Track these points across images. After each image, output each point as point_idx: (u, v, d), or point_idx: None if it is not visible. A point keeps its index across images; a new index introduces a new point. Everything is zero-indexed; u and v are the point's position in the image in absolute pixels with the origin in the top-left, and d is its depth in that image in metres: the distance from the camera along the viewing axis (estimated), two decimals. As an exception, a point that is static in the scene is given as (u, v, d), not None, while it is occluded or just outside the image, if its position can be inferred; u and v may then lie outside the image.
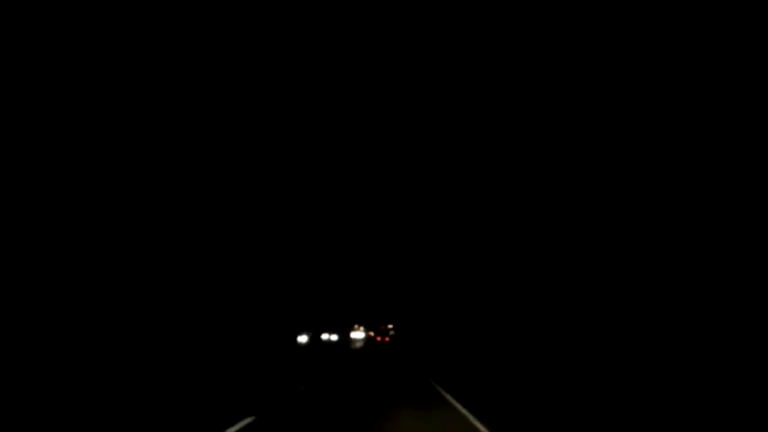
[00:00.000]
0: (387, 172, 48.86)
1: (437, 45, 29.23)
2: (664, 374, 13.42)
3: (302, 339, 51.07)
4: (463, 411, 11.25)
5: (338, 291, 71.48)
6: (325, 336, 60.80)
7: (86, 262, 24.56)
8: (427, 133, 38.11)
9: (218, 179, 35.08)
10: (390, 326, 74.94)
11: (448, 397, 13.73)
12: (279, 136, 39.20)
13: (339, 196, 55.24)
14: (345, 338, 69.66)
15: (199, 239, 33.24)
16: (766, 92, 13.85)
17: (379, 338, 72.68)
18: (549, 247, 25.02)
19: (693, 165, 15.77)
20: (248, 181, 39.53)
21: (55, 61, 22.30)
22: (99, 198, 25.24)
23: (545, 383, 16.10)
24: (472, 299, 39.67)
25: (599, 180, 20.42)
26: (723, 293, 14.08)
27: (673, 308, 15.64)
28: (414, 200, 50.58)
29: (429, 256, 56.08)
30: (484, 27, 25.82)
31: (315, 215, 56.45)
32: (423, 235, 55.32)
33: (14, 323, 19.49)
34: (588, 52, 20.18)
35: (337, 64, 32.71)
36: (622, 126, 18.79)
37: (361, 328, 75.29)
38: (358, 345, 57.98)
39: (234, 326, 36.98)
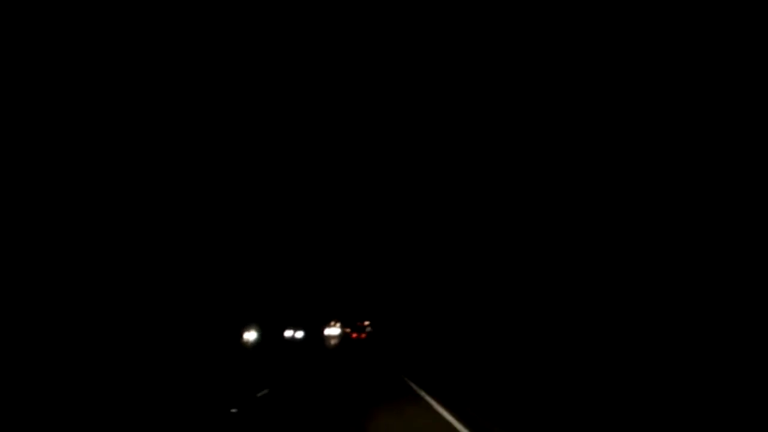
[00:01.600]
0: (366, 164, 48.57)
1: (437, 45, 29.48)
2: (651, 369, 13.23)
3: (249, 336, 43.00)
4: (440, 409, 10.97)
5: (313, 286, 69.33)
6: (288, 333, 54.70)
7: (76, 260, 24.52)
8: (402, 126, 38.66)
9: (189, 169, 34.37)
10: (367, 323, 74.45)
11: (423, 393, 13.65)
12: (256, 125, 39.11)
13: (318, 190, 54.59)
14: (317, 335, 64.48)
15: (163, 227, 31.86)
16: (766, 92, 13.89)
17: (355, 335, 72.16)
18: (530, 241, 24.94)
19: (693, 165, 15.71)
20: (222, 168, 38.95)
21: (55, 61, 22.29)
22: (89, 197, 25.28)
23: (525, 377, 15.89)
24: (451, 295, 39.20)
25: (594, 180, 20.35)
26: (723, 293, 13.98)
27: (670, 308, 15.50)
28: (395, 195, 50.53)
29: (408, 252, 56.03)
30: (484, 27, 25.84)
31: (291, 209, 54.76)
32: (402, 231, 55.14)
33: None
34: (588, 52, 20.19)
35: (336, 64, 33.10)
36: (622, 126, 18.75)
37: (338, 325, 73.89)
38: (333, 342, 56.92)
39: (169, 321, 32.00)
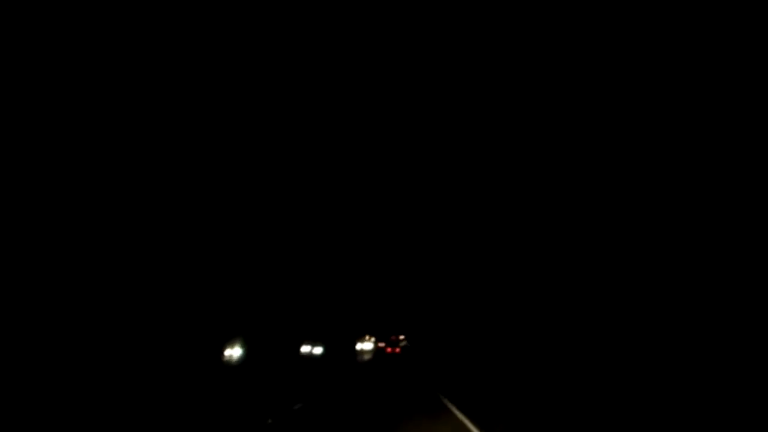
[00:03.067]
0: (404, 178, 48.01)
1: (437, 45, 29.37)
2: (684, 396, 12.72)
3: (233, 353, 35.47)
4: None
5: (345, 300, 68.38)
6: (306, 348, 47.76)
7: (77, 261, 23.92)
8: (441, 142, 38.46)
9: (225, 182, 34.76)
10: (402, 337, 73.63)
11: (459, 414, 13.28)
12: (288, 140, 39.25)
13: (354, 204, 53.97)
14: (347, 351, 60.44)
15: (192, 238, 31.71)
16: (766, 92, 13.81)
17: (389, 349, 71.49)
18: (564, 252, 24.78)
19: (693, 165, 15.67)
20: (255, 183, 39.06)
21: (55, 61, 22.14)
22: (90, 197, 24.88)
23: (560, 398, 15.57)
24: (488, 311, 38.94)
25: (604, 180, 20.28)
26: (723, 293, 13.97)
27: (673, 309, 15.57)
28: (431, 210, 50.17)
29: (443, 267, 55.13)
30: (484, 27, 25.79)
31: (324, 221, 54.20)
32: (437, 247, 54.81)
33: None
34: (588, 52, 20.09)
35: (336, 64, 32.83)
36: (622, 126, 18.66)
37: (372, 339, 73.02)
38: (366, 357, 56.05)
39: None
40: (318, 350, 49.06)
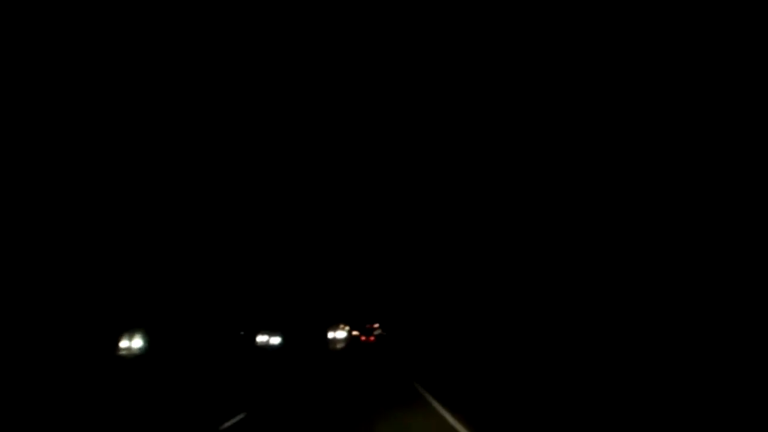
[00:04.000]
0: (375, 164, 47.61)
1: (437, 45, 29.19)
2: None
3: (133, 343, 29.64)
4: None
5: (319, 288, 66.61)
6: (262, 338, 41.61)
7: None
8: (411, 126, 38.44)
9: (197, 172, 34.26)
10: (376, 325, 73.47)
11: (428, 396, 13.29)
12: (261, 130, 38.70)
13: (325, 190, 52.99)
14: (315, 341, 53.97)
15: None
16: (766, 92, 13.94)
17: (363, 338, 71.37)
18: (542, 243, 24.98)
19: (693, 165, 15.76)
20: (228, 173, 38.33)
21: (55, 61, 22.23)
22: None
23: (534, 384, 15.24)
24: (463, 299, 38.71)
25: (597, 180, 20.37)
26: (722, 293, 14.01)
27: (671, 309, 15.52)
28: (404, 195, 49.46)
29: (418, 254, 54.56)
30: (484, 27, 25.77)
31: (295, 206, 52.61)
32: (412, 233, 54.01)
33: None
34: (588, 52, 20.20)
35: (336, 64, 32.91)
36: (622, 126, 18.78)
37: (346, 328, 71.98)
38: (339, 346, 54.98)
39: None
40: (275, 340, 42.25)
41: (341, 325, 71.01)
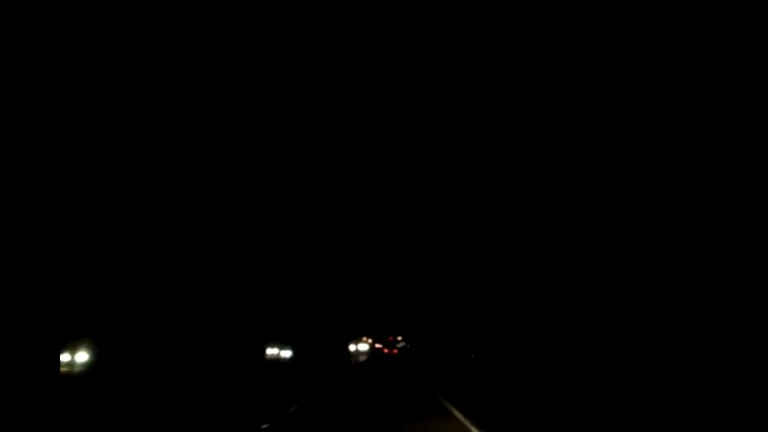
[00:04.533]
0: (403, 175, 47.14)
1: (437, 45, 28.84)
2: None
3: (77, 357, 25.31)
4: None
5: (342, 301, 66.10)
6: (272, 351, 37.78)
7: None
8: (441, 141, 37.72)
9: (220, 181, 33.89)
10: (399, 338, 72.97)
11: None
12: (285, 139, 38.10)
13: (351, 202, 52.30)
14: (339, 352, 52.50)
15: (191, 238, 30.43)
16: (766, 92, 13.91)
17: (387, 350, 70.88)
18: (564, 252, 24.66)
19: (693, 165, 15.72)
20: (252, 183, 37.70)
21: (55, 61, 21.90)
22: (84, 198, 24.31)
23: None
24: (488, 311, 38.29)
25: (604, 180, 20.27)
26: (722, 293, 14.02)
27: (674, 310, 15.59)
28: (429, 210, 48.52)
29: (441, 269, 54.14)
30: (483, 27, 25.66)
31: (319, 220, 52.31)
32: (434, 249, 53.24)
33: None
34: (588, 52, 20.15)
35: (336, 64, 32.53)
36: (622, 126, 18.77)
37: (369, 341, 71.66)
38: (362, 359, 54.59)
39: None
40: (286, 354, 38.21)
41: (364, 338, 70.76)
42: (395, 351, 70.49)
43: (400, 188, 48.09)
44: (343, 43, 30.05)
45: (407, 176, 45.70)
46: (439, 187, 42.59)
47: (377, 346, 73.48)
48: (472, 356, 30.96)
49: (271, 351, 37.74)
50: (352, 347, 59.91)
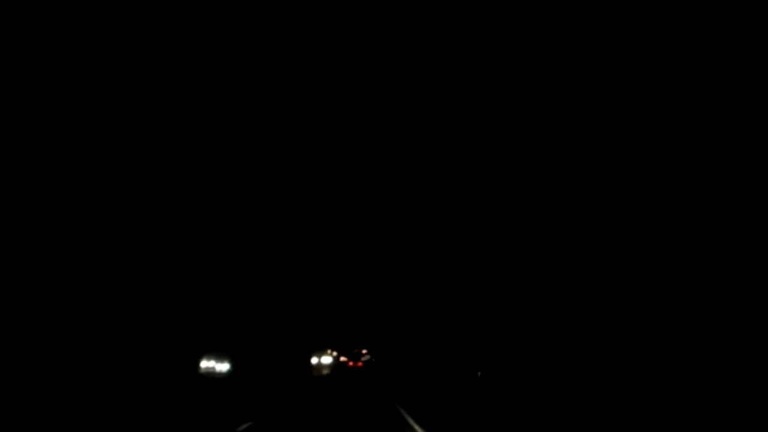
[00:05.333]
0: (370, 174, 46.07)
1: (437, 45, 28.82)
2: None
3: None
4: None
5: (303, 313, 64.55)
6: (206, 364, 31.93)
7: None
8: (405, 138, 37.32)
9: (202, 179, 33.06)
10: (364, 351, 72.27)
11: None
12: (246, 137, 36.89)
13: (317, 204, 50.99)
14: (299, 365, 49.98)
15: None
16: (766, 92, 13.90)
17: (351, 363, 70.06)
18: (540, 256, 24.72)
19: (693, 165, 15.66)
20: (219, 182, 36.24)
21: (55, 61, 22.11)
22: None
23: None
24: (452, 324, 38.46)
25: (599, 182, 20.16)
26: (722, 294, 13.93)
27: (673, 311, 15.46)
28: (394, 219, 48.22)
29: (406, 278, 53.26)
30: (483, 27, 25.78)
31: (282, 224, 50.99)
32: (401, 256, 52.75)
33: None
34: (588, 52, 20.11)
35: (336, 64, 32.35)
36: (622, 126, 18.64)
37: (334, 353, 70.41)
38: (324, 372, 53.15)
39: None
40: (223, 367, 32.32)
41: (328, 351, 69.46)
42: (360, 364, 69.72)
43: (372, 187, 47.55)
44: (342, 43, 30.07)
45: (374, 175, 45.07)
46: (410, 187, 42.14)
47: (342, 359, 72.37)
48: (479, 374, 29.32)
49: (206, 364, 31.81)
50: (314, 360, 57.69)
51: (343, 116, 36.79)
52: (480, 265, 31.84)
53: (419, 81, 31.47)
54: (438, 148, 33.30)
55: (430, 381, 31.75)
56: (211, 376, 31.13)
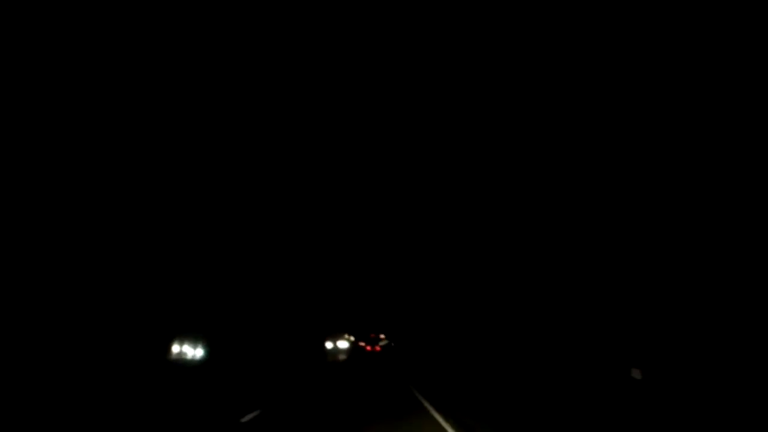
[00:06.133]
0: (383, 168, 45.88)
1: (437, 45, 29.14)
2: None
3: None
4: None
5: (322, 297, 63.63)
6: (177, 348, 27.97)
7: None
8: (420, 133, 37.71)
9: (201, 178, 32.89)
10: (382, 336, 71.92)
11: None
12: (260, 134, 37.26)
13: (331, 195, 51.00)
14: (313, 350, 47.52)
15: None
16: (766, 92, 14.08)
17: (369, 347, 69.72)
18: (550, 250, 24.87)
19: (693, 165, 15.77)
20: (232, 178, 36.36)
21: (55, 61, 22.36)
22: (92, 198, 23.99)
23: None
24: (474, 309, 38.03)
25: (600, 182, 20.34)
26: (722, 294, 14.07)
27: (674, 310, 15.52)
28: (411, 205, 47.89)
29: (426, 262, 53.19)
30: (483, 27, 26.00)
31: (301, 215, 50.15)
32: (418, 243, 52.61)
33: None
34: (588, 52, 20.32)
35: (336, 64, 32.60)
36: (622, 126, 18.87)
37: (351, 338, 69.74)
38: (341, 357, 52.11)
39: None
40: (197, 353, 28.24)
41: (346, 335, 68.58)
42: (378, 348, 69.42)
43: (384, 180, 47.37)
44: (342, 43, 30.25)
45: (388, 168, 45.28)
46: (421, 181, 42.47)
47: (360, 343, 71.85)
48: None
49: (177, 348, 27.44)
50: (329, 344, 56.01)
51: (366, 103, 36.60)
52: (499, 250, 31.55)
53: (430, 78, 31.48)
54: (461, 132, 33.11)
55: (452, 368, 30.51)
56: (182, 363, 26.96)
